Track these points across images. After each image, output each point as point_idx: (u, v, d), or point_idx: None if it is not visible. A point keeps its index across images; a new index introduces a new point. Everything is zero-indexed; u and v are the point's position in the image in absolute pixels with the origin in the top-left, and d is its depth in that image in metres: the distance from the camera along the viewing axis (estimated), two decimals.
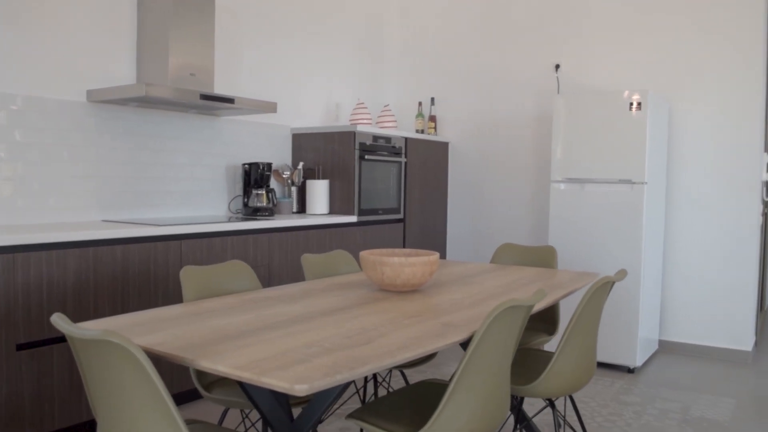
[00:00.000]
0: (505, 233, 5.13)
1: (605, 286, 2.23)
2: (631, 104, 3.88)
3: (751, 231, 4.18)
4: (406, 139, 4.84)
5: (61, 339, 2.71)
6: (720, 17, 4.22)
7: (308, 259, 2.73)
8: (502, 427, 3.01)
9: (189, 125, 3.87)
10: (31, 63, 3.10)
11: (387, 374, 3.78)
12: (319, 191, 4.38)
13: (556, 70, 4.82)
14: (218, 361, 1.41)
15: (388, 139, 4.63)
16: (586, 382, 2.29)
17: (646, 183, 3.87)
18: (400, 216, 4.82)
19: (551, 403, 2.34)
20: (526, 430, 2.76)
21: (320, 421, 1.66)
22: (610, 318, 4.02)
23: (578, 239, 4.10)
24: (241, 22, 4.21)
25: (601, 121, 3.99)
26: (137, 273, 2.99)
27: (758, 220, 4.20)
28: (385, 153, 4.61)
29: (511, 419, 3.12)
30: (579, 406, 3.34)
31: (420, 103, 5.40)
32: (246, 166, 4.09)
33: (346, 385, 1.55)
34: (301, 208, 4.52)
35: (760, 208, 4.22)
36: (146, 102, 3.36)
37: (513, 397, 2.60)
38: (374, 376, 2.82)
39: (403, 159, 4.78)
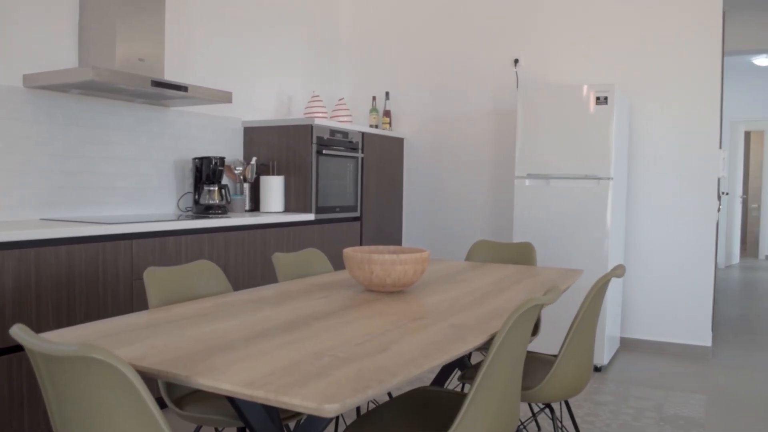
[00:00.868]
0: (465, 231, 5.02)
1: (606, 285, 2.12)
2: (598, 98, 3.83)
3: (708, 227, 4.22)
4: (363, 134, 4.65)
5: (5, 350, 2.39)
6: (680, 15, 4.24)
7: (280, 259, 2.51)
8: None
9: (135, 116, 3.56)
10: None
11: None
12: (273, 188, 4.13)
13: (515, 64, 4.75)
14: (219, 378, 1.19)
15: (345, 133, 4.43)
16: (585, 384, 2.17)
17: (612, 179, 3.83)
18: (357, 214, 4.63)
19: (550, 408, 2.21)
20: None
21: None
22: None
23: (543, 235, 4.02)
24: (191, 8, 3.92)
25: (566, 116, 3.93)
26: (84, 276, 2.68)
27: (715, 216, 4.24)
28: (342, 148, 4.41)
29: None
30: (554, 407, 3.24)
31: (374, 98, 5.23)
32: (197, 160, 3.81)
33: None
34: (255, 206, 4.26)
35: (716, 204, 4.27)
36: (90, 88, 3.05)
37: None
38: None
39: (360, 155, 4.59)
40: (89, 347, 1.06)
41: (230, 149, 4.25)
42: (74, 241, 2.64)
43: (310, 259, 2.66)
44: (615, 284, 4.11)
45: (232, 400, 1.49)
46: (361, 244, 4.69)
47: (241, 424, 1.80)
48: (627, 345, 4.46)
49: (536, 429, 2.96)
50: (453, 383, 3.66)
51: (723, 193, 4.16)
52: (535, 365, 2.34)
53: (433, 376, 3.70)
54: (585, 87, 3.87)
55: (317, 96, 4.46)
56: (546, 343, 4.05)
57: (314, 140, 4.12)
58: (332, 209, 4.32)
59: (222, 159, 3.84)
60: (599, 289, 2.07)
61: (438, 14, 5.06)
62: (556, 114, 3.96)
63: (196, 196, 3.79)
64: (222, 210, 3.79)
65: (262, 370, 1.24)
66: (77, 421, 1.19)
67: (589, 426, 3.00)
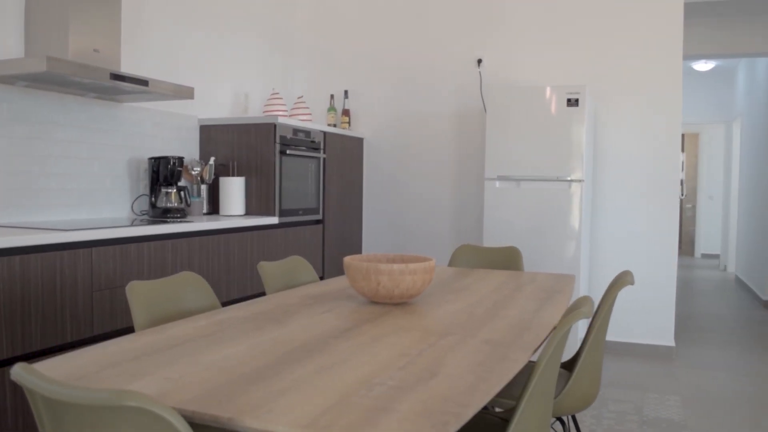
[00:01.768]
0: (428, 233, 4.91)
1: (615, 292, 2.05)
2: (569, 100, 3.80)
3: (671, 228, 4.27)
4: (325, 133, 4.48)
5: None
6: (642, 17, 4.27)
7: (266, 269, 2.32)
8: None
9: (87, 111, 3.27)
10: None
11: None
12: (234, 190, 3.91)
13: (479, 64, 4.68)
14: (269, 420, 1.02)
15: (308, 132, 4.24)
16: (596, 396, 2.09)
17: (583, 181, 3.81)
18: (320, 217, 4.45)
19: (561, 421, 2.12)
20: None
21: None
22: None
23: (514, 237, 3.97)
24: (146, 1, 3.64)
25: (536, 118, 3.88)
26: (40, 290, 2.41)
27: (677, 218, 4.30)
28: (304, 148, 4.22)
29: None
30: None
31: (332, 96, 5.05)
32: (153, 160, 3.54)
33: None
34: (213, 209, 4.02)
35: (678, 206, 4.33)
36: (40, 81, 2.75)
37: None
38: None
39: (322, 155, 4.42)
40: (125, 394, 0.87)
41: (186, 148, 3.99)
42: (29, 251, 2.36)
43: (296, 268, 2.48)
44: (585, 286, 4.10)
45: None
46: (323, 249, 4.51)
47: None
48: None
49: None
50: None
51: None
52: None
53: None
54: (556, 88, 3.83)
55: (277, 93, 4.26)
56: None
57: (278, 139, 3.92)
58: (295, 212, 4.12)
59: (181, 159, 3.58)
60: (614, 298, 1.99)
61: (398, 12, 4.94)
62: (526, 115, 3.90)
63: (153, 199, 3.53)
64: (181, 213, 3.54)
65: (313, 406, 1.08)
66: None
67: None
